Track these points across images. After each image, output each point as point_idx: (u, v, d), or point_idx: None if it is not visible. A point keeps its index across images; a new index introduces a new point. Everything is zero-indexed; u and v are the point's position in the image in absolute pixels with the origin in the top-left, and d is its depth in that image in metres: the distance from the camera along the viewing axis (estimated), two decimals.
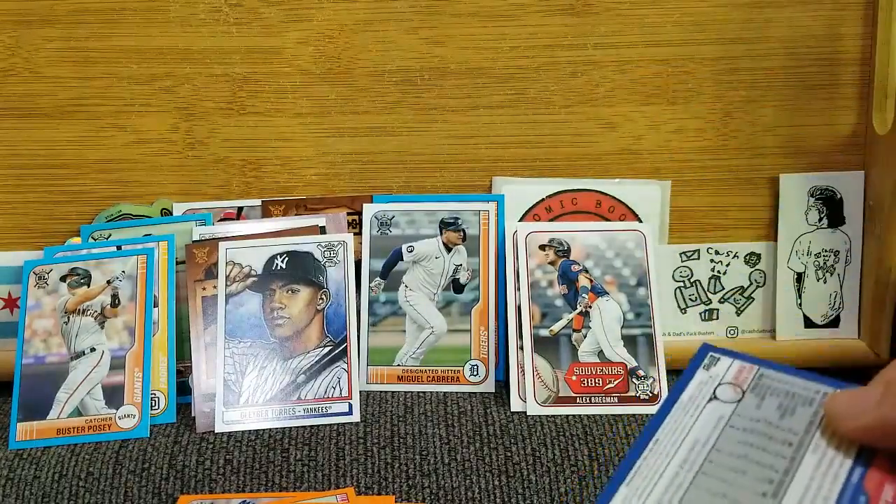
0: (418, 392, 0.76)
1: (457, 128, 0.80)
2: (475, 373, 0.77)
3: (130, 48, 0.79)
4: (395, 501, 0.66)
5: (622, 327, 0.76)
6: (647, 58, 0.79)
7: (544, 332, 0.76)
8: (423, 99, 0.80)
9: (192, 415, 0.73)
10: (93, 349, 0.75)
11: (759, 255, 0.82)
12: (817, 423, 0.28)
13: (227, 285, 0.76)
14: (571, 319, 0.76)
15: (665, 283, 0.81)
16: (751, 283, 0.82)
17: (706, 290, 0.82)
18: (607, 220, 0.81)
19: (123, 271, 0.76)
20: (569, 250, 0.78)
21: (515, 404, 0.74)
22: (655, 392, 0.74)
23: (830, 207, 0.80)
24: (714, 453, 0.28)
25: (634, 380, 0.74)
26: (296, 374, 0.74)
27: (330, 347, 0.75)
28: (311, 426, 0.72)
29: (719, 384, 0.30)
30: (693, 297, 0.82)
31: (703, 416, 0.29)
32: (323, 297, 0.76)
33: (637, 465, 0.29)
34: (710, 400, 0.30)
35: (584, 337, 0.76)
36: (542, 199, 0.81)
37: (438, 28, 0.78)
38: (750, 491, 0.26)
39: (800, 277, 0.82)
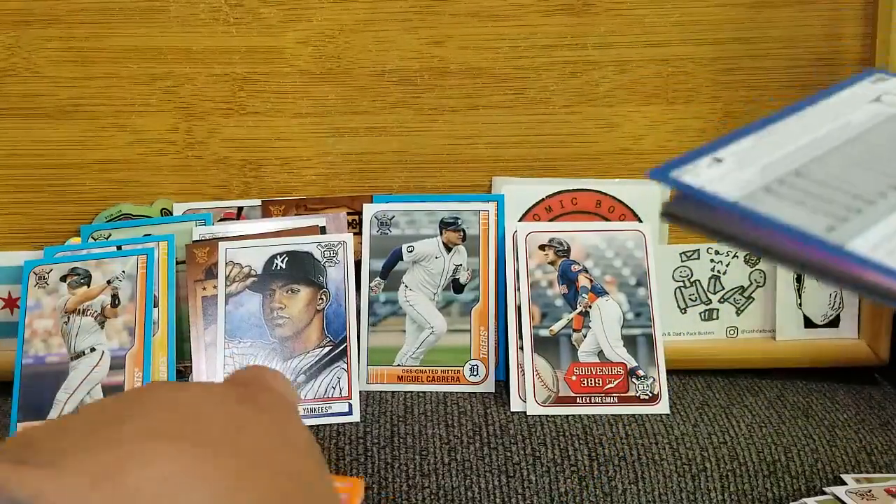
0: (418, 392, 0.76)
1: (457, 128, 0.80)
2: (475, 373, 0.77)
3: (130, 48, 0.79)
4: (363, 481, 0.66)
5: (622, 327, 0.76)
6: (647, 58, 0.79)
7: (544, 332, 0.76)
8: (423, 99, 0.80)
9: None
10: (93, 349, 0.75)
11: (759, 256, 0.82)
12: None
13: (227, 285, 0.76)
14: (571, 319, 0.76)
15: (665, 283, 0.81)
16: (751, 283, 0.82)
17: (706, 290, 0.82)
18: (607, 220, 0.81)
19: (123, 271, 0.76)
20: (569, 250, 0.78)
21: (515, 404, 0.74)
22: (655, 392, 0.74)
23: None
24: (869, 135, 0.26)
25: (634, 380, 0.74)
26: (296, 374, 0.74)
27: (330, 347, 0.75)
28: (311, 426, 0.72)
29: (886, 93, 0.28)
30: (693, 297, 0.82)
31: (861, 109, 0.28)
32: (323, 297, 0.76)
33: (773, 126, 0.27)
34: (873, 101, 0.28)
35: (584, 337, 0.76)
36: (542, 199, 0.81)
37: (438, 28, 0.78)
38: None
39: (800, 277, 0.82)
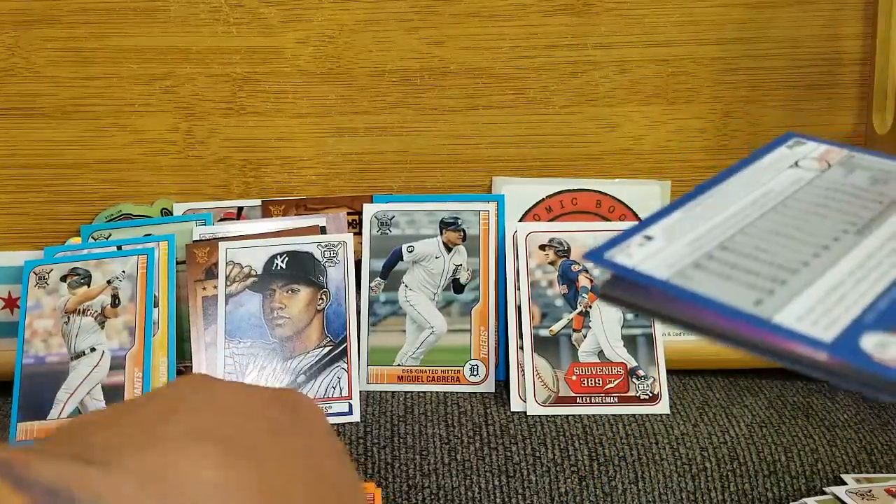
0: (418, 392, 0.76)
1: (457, 128, 0.80)
2: (475, 373, 0.77)
3: (130, 48, 0.79)
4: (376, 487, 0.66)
5: (622, 327, 0.76)
6: (648, 58, 0.79)
7: (544, 332, 0.76)
8: (423, 99, 0.80)
9: None
10: (93, 349, 0.75)
11: None
12: None
13: (227, 285, 0.76)
14: (571, 319, 0.76)
15: None
16: None
17: None
18: (607, 220, 0.81)
19: (123, 271, 0.76)
20: (569, 250, 0.78)
21: (515, 404, 0.74)
22: (655, 392, 0.74)
23: None
24: (790, 201, 0.27)
25: (634, 380, 0.74)
26: (296, 374, 0.74)
27: (330, 347, 0.75)
28: None
29: (803, 158, 0.29)
30: None
31: (781, 176, 0.28)
32: (323, 297, 0.76)
33: (699, 199, 0.28)
34: (791, 167, 0.29)
35: (584, 337, 0.76)
36: (542, 199, 0.81)
37: (438, 28, 0.78)
38: (829, 229, 0.25)
39: None
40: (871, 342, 0.22)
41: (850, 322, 0.23)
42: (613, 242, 0.26)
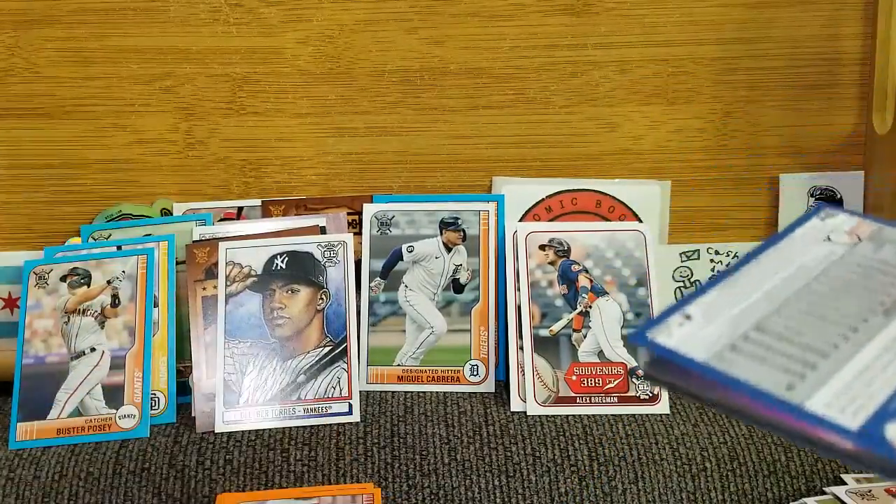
0: (418, 392, 0.76)
1: (457, 128, 0.80)
2: (475, 373, 0.77)
3: (130, 48, 0.79)
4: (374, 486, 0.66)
5: (622, 327, 0.76)
6: (647, 58, 0.79)
7: (544, 332, 0.76)
8: (423, 99, 0.80)
9: (192, 415, 0.73)
10: (93, 349, 0.75)
11: None
12: None
13: (227, 285, 0.76)
14: (571, 319, 0.76)
15: (665, 283, 0.81)
16: None
17: None
18: (607, 220, 0.81)
19: (123, 271, 0.76)
20: (569, 250, 0.78)
21: (515, 404, 0.74)
22: (655, 392, 0.74)
23: None
24: (822, 277, 0.27)
25: (634, 380, 0.74)
26: (296, 373, 0.74)
27: (330, 347, 0.75)
28: (311, 426, 0.72)
29: (834, 231, 0.29)
30: None
31: (813, 251, 0.29)
32: (323, 297, 0.76)
33: (735, 275, 0.28)
34: (824, 241, 0.29)
35: (584, 337, 0.76)
36: (542, 199, 0.81)
37: (438, 28, 0.78)
38: (858, 309, 0.26)
39: None
40: (895, 431, 0.23)
41: (876, 410, 0.23)
42: (655, 322, 0.26)
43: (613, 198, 0.81)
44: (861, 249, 0.28)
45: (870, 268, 0.27)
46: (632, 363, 0.75)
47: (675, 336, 0.26)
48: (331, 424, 0.72)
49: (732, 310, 0.27)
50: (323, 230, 0.79)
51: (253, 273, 0.76)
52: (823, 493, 0.67)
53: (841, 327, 0.25)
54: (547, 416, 0.73)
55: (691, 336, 0.26)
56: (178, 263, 0.78)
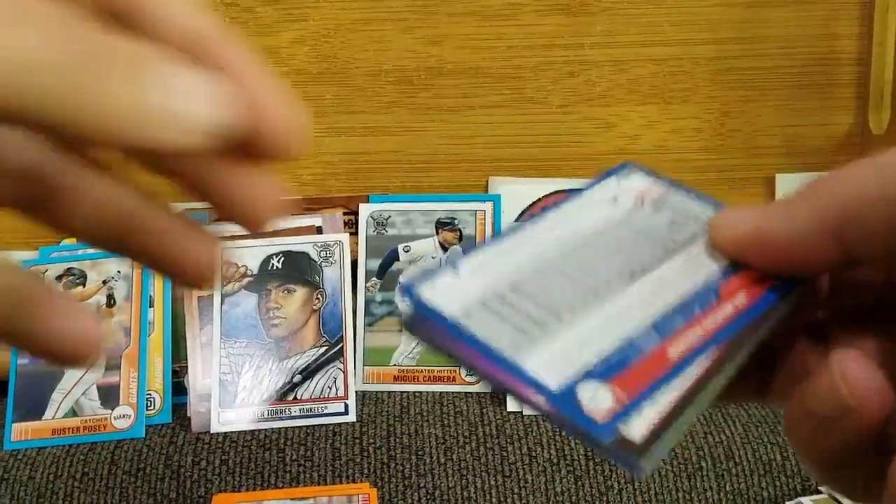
0: (414, 392, 0.76)
1: (453, 127, 0.80)
2: (471, 373, 0.77)
3: None
4: (370, 487, 0.66)
5: None
6: (644, 57, 0.79)
7: None
8: (420, 99, 0.80)
9: (188, 415, 0.73)
10: None
11: None
12: (700, 237, 0.27)
13: (223, 285, 0.76)
14: None
15: None
16: None
17: None
18: None
19: (119, 271, 0.76)
20: None
21: (511, 404, 0.74)
22: None
23: None
24: (591, 239, 0.27)
25: None
26: (292, 374, 0.74)
27: (326, 347, 0.75)
28: (307, 426, 0.72)
29: (623, 192, 0.29)
30: None
31: (595, 212, 0.28)
32: (319, 297, 0.76)
33: (516, 234, 0.27)
34: (609, 203, 0.28)
35: None
36: (539, 199, 0.81)
37: (435, 28, 0.78)
38: (606, 274, 0.25)
39: None
40: (586, 393, 0.22)
41: (579, 371, 0.22)
42: (426, 275, 0.25)
43: None
44: (639, 214, 0.28)
45: (638, 233, 0.27)
46: None
47: (437, 290, 0.24)
48: (327, 424, 0.72)
49: (499, 267, 0.26)
50: (319, 230, 0.79)
51: (249, 273, 0.76)
52: (819, 492, 0.67)
53: (584, 290, 0.25)
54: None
55: (451, 291, 0.24)
56: None
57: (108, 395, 0.73)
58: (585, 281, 0.25)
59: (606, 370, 0.22)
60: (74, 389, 0.73)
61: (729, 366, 0.24)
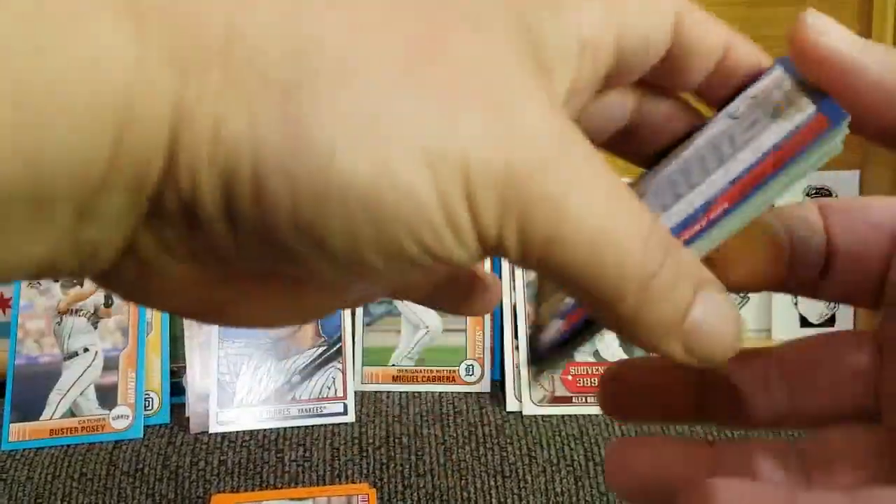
0: (413, 392, 0.76)
1: None
2: (470, 373, 0.77)
3: None
4: (370, 487, 0.66)
5: None
6: None
7: None
8: None
9: (186, 415, 0.73)
10: (86, 349, 0.74)
11: None
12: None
13: None
14: None
15: None
16: None
17: None
18: None
19: None
20: None
21: (511, 404, 0.74)
22: None
23: None
24: (695, 147, 0.27)
25: None
26: (290, 374, 0.74)
27: (325, 347, 0.74)
28: (306, 426, 0.72)
29: (750, 96, 0.28)
30: None
31: (715, 124, 0.28)
32: None
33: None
34: (731, 115, 0.28)
35: None
36: None
37: None
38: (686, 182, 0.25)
39: None
40: None
41: None
42: None
43: None
44: (740, 123, 0.28)
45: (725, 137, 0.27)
46: None
47: None
48: (325, 425, 0.72)
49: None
50: None
51: None
52: None
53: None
54: (543, 415, 0.73)
55: None
56: None
57: (107, 396, 0.73)
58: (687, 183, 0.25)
59: None
60: (72, 390, 0.73)
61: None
